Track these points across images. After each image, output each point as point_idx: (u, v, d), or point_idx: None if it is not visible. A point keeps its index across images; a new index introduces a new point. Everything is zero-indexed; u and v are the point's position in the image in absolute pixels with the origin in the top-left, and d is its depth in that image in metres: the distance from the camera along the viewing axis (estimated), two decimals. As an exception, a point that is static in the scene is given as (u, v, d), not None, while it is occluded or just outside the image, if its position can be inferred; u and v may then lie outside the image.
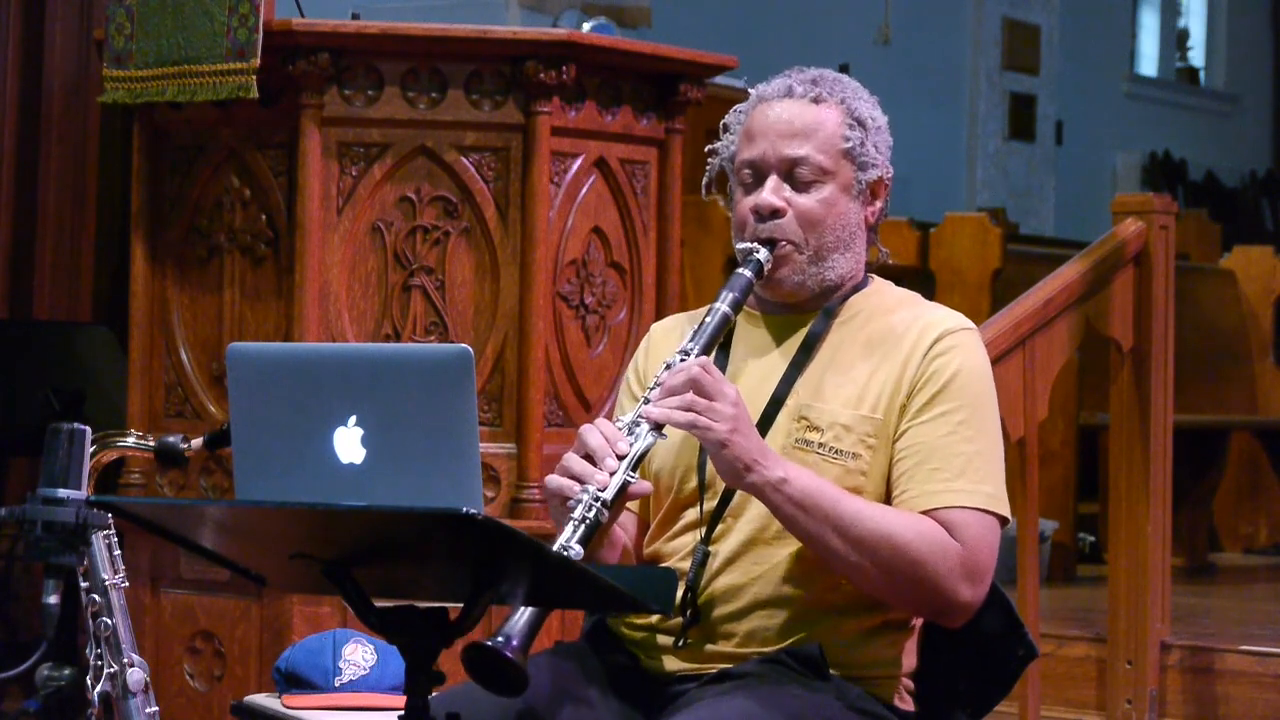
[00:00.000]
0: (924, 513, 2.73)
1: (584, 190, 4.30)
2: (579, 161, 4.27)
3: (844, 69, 7.34)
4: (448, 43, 4.18)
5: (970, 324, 2.85)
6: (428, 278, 4.18)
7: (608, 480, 2.61)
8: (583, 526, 2.58)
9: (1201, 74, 15.61)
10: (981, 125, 12.56)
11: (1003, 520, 2.77)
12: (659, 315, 4.33)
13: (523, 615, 2.50)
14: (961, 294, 6.83)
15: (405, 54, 4.17)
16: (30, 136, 5.73)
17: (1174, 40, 15.47)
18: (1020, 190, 12.77)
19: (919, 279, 7.14)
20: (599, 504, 2.60)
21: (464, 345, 2.39)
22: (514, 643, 2.47)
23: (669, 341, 2.91)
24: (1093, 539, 7.10)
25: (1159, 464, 4.84)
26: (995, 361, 4.40)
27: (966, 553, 2.71)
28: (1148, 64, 15.35)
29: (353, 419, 2.35)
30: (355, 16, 4.39)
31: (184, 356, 4.32)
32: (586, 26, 7.84)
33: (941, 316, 2.84)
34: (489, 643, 2.46)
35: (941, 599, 2.72)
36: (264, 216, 4.23)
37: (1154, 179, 14.14)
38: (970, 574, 2.72)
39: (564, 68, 4.15)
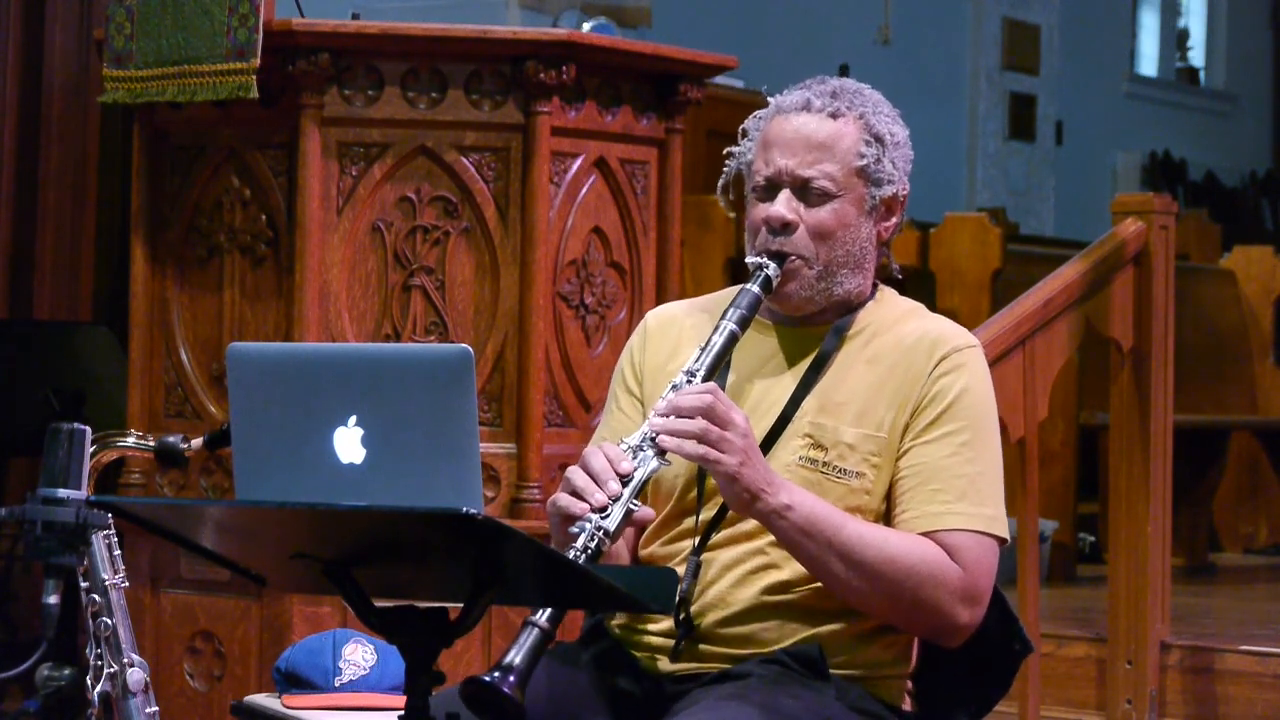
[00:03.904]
0: (924, 534, 2.73)
1: (584, 190, 4.30)
2: (579, 161, 4.28)
3: (844, 69, 7.36)
4: (448, 43, 4.18)
5: (975, 340, 2.84)
6: (428, 278, 4.18)
7: (607, 501, 2.60)
8: (584, 557, 2.57)
9: (1201, 74, 15.61)
10: (981, 125, 12.56)
11: (1001, 542, 2.77)
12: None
13: (521, 648, 2.49)
14: (961, 294, 6.83)
15: (405, 54, 4.17)
16: (30, 136, 5.74)
17: (1174, 40, 15.46)
18: (1020, 190, 12.77)
19: (919, 279, 7.14)
20: (601, 533, 2.59)
21: (464, 345, 2.38)
22: (512, 678, 2.46)
23: (666, 335, 2.91)
24: (1093, 539, 7.10)
25: (1159, 464, 4.84)
26: (995, 361, 4.40)
27: (966, 576, 2.72)
28: (1148, 64, 15.34)
29: (353, 419, 2.35)
30: (355, 16, 4.39)
31: (184, 356, 4.32)
32: (586, 26, 7.84)
33: (947, 334, 2.82)
34: (487, 678, 2.45)
35: (940, 621, 2.73)
36: (264, 216, 4.23)
37: (1154, 179, 14.13)
38: (969, 597, 2.72)
39: (564, 68, 4.15)
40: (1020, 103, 12.76)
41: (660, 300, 4.40)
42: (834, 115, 2.80)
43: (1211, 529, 7.44)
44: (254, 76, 4.06)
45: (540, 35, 4.25)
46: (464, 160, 4.18)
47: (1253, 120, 15.72)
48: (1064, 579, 6.61)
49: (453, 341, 4.12)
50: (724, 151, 2.93)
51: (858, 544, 2.68)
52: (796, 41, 10.57)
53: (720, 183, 2.98)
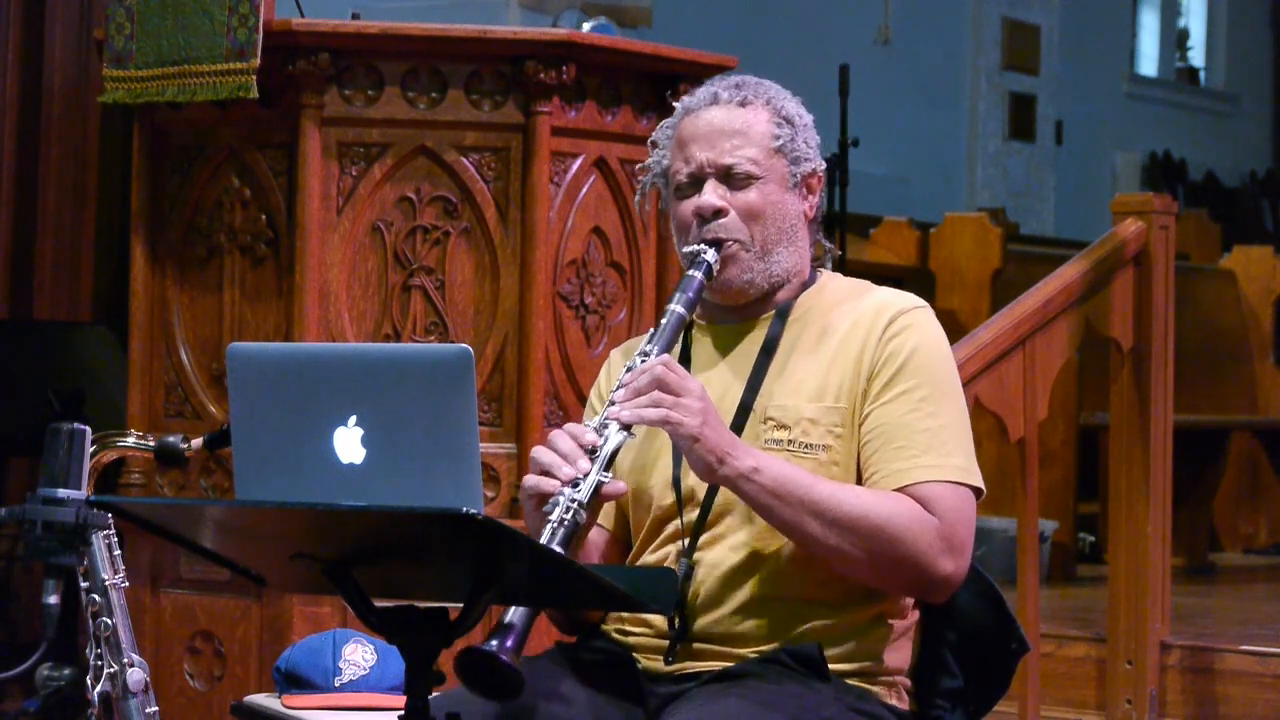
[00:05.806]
0: (897, 490, 2.74)
1: (584, 190, 4.30)
2: (579, 161, 4.28)
3: (844, 69, 7.37)
4: (448, 43, 4.18)
5: (922, 302, 2.88)
6: (428, 278, 4.18)
7: (577, 475, 2.62)
8: (561, 529, 2.58)
9: (1201, 74, 15.61)
10: (981, 125, 12.56)
11: (977, 492, 2.78)
12: (659, 315, 4.32)
13: (514, 617, 2.49)
14: (961, 294, 6.84)
15: (405, 54, 4.17)
16: (30, 136, 5.73)
17: (1174, 40, 15.47)
18: (1020, 190, 12.78)
19: (919, 279, 7.15)
20: (576, 504, 2.60)
21: (464, 345, 2.39)
22: (508, 645, 2.46)
23: (630, 360, 2.93)
24: (1093, 539, 7.11)
25: (1159, 464, 4.84)
26: (995, 361, 4.40)
27: (944, 526, 2.72)
28: (1148, 64, 15.35)
29: (353, 419, 2.36)
30: (355, 16, 4.39)
31: (184, 356, 4.32)
32: (586, 26, 7.84)
33: (892, 299, 2.87)
34: (483, 647, 2.45)
35: (923, 575, 2.73)
36: (264, 216, 4.23)
37: (1154, 179, 14.14)
38: (950, 547, 2.73)
39: (564, 68, 4.15)
40: (1020, 103, 12.77)
41: (660, 300, 4.40)
42: (742, 104, 2.88)
43: (1211, 529, 7.45)
44: (254, 76, 4.06)
45: (540, 35, 4.25)
46: (464, 160, 4.18)
47: (1253, 120, 15.72)
48: (1064, 579, 6.62)
49: (453, 341, 4.13)
50: (637, 167, 2.98)
51: (831, 500, 2.69)
52: (796, 41, 10.57)
53: (637, 196, 3.04)
